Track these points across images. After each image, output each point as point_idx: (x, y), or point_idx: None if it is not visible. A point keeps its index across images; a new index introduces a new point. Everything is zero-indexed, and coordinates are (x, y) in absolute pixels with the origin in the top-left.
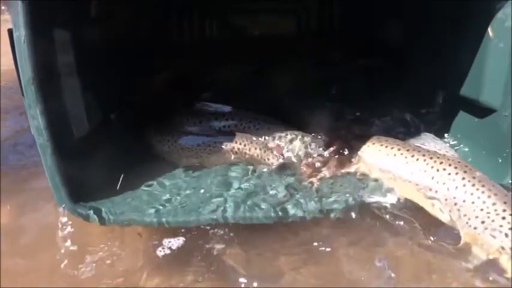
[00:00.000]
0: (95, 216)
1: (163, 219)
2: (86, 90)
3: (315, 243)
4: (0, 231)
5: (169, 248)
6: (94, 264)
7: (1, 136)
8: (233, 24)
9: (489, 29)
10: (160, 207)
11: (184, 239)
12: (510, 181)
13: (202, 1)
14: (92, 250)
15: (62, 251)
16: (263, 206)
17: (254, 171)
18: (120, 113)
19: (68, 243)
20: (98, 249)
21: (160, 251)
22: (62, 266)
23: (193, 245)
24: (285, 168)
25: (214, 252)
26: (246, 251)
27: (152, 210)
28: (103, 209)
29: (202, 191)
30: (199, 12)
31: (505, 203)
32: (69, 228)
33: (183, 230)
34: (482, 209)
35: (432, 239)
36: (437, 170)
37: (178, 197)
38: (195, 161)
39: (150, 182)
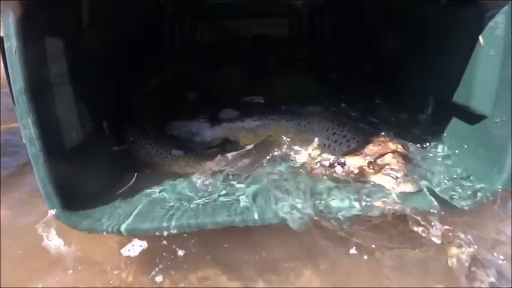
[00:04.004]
0: (88, 226)
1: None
2: (78, 99)
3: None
4: (0, 232)
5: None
6: None
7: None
8: (225, 28)
9: (480, 37)
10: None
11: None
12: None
13: (194, 5)
14: None
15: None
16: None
17: None
18: (113, 120)
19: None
20: None
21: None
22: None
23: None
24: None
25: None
26: None
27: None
28: (96, 218)
29: (195, 196)
30: (191, 15)
31: None
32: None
33: None
34: None
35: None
36: None
37: (169, 203)
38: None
39: (143, 190)
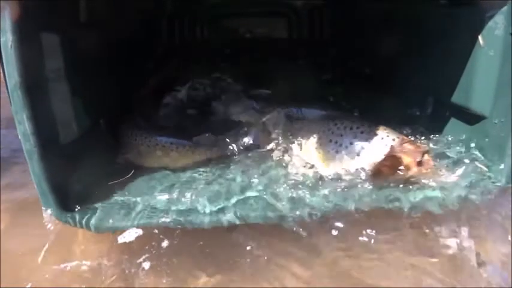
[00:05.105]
0: (84, 224)
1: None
2: (75, 95)
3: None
4: (0, 232)
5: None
6: None
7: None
8: (225, 27)
9: (480, 37)
10: (150, 211)
11: None
12: (510, 185)
13: (194, 4)
14: None
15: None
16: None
17: None
18: (110, 119)
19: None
20: None
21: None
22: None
23: None
24: None
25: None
26: None
27: (140, 215)
28: (92, 216)
29: (194, 192)
30: (191, 14)
31: None
32: None
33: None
34: None
35: None
36: None
37: (167, 200)
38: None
39: (140, 188)
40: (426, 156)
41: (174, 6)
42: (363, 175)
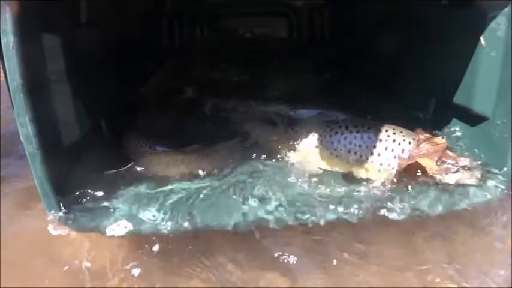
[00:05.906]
0: (86, 225)
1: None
2: (76, 96)
3: None
4: (0, 234)
5: None
6: None
7: None
8: (225, 27)
9: (481, 38)
10: (151, 214)
11: None
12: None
13: (194, 4)
14: None
15: None
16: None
17: None
18: (111, 120)
19: None
20: None
21: None
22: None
23: None
24: None
25: None
26: None
27: (143, 219)
28: (93, 218)
29: (196, 196)
30: (190, 14)
31: None
32: None
33: None
34: None
35: None
36: None
37: (169, 203)
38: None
39: (140, 189)
40: (448, 152)
41: (174, 6)
42: (384, 183)
